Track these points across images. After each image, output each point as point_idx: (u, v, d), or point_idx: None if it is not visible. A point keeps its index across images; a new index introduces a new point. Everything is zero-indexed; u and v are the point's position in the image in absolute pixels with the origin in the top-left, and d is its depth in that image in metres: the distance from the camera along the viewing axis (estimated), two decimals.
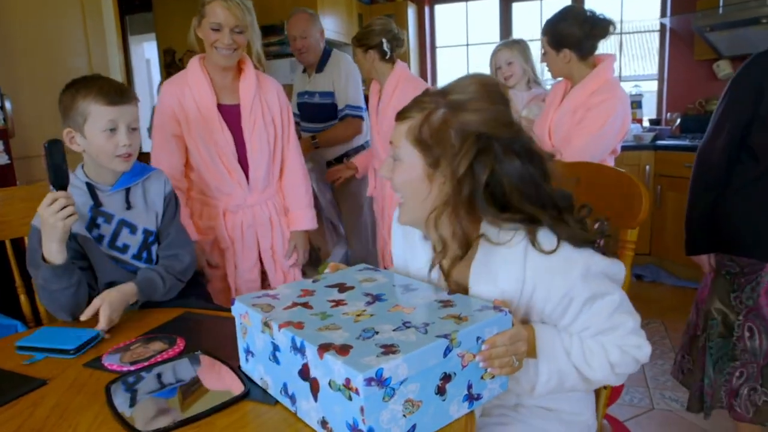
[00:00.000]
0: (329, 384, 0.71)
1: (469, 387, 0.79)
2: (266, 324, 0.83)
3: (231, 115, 1.79)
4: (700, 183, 1.61)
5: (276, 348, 0.82)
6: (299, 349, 0.76)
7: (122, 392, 0.92)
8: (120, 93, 1.31)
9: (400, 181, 0.94)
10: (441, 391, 0.75)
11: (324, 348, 0.71)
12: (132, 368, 1.00)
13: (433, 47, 5.18)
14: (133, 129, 1.34)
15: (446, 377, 0.75)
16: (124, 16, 4.94)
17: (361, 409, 0.66)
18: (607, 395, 1.26)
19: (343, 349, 0.71)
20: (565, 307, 0.90)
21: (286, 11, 3.97)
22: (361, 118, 2.84)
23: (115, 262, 1.36)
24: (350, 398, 0.67)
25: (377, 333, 0.76)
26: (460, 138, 0.87)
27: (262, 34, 1.85)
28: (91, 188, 1.34)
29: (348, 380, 0.67)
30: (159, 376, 0.98)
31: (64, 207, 1.15)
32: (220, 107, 1.77)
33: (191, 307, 1.37)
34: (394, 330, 0.76)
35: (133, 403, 0.90)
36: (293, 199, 1.96)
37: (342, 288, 0.96)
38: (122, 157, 1.32)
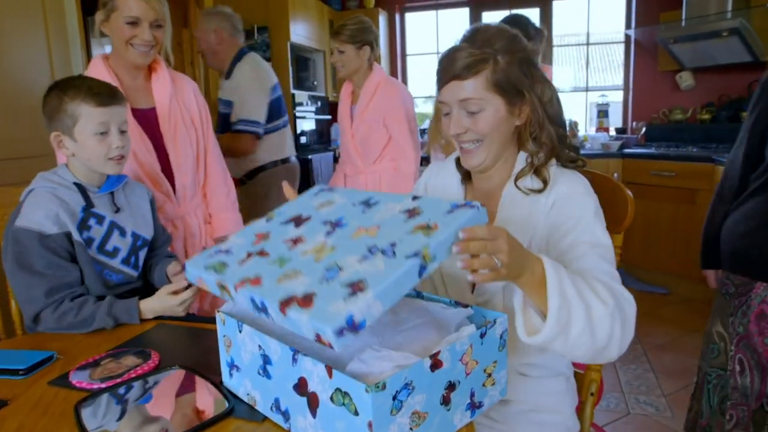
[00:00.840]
0: (331, 398, 0.66)
1: (472, 395, 0.76)
2: (222, 287, 0.77)
3: (147, 120, 1.63)
4: (716, 194, 1.53)
5: (267, 361, 0.77)
6: (261, 309, 0.70)
7: (92, 412, 0.85)
8: (110, 94, 1.27)
9: (486, 126, 1.05)
10: (446, 401, 0.71)
11: (286, 303, 0.65)
12: (103, 385, 0.93)
13: (404, 55, 5.19)
14: (122, 131, 1.29)
15: (451, 386, 0.72)
16: (87, 17, 4.76)
17: (369, 425, 0.62)
18: (593, 402, 1.25)
19: (306, 300, 0.64)
20: (573, 226, 1.00)
21: (257, 15, 3.94)
22: (256, 135, 2.55)
23: (100, 268, 1.29)
24: (356, 413, 0.63)
25: (341, 269, 0.68)
26: (524, 73, 1.05)
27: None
28: (82, 188, 1.28)
29: (318, 336, 0.61)
30: (133, 393, 0.92)
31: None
32: (134, 112, 1.60)
33: (165, 317, 1.30)
34: (359, 261, 0.69)
35: (105, 423, 0.83)
36: (216, 203, 1.83)
37: (298, 221, 0.88)
38: (115, 160, 1.28)
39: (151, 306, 1.24)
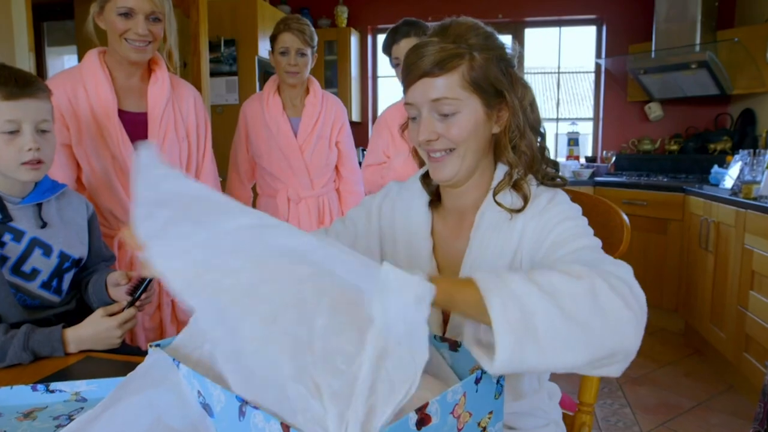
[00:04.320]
0: None
1: None
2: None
3: (135, 125, 1.48)
4: None
5: (209, 411, 0.61)
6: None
7: None
8: (22, 83, 1.06)
9: (462, 132, 0.91)
10: None
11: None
12: None
13: (375, 76, 5.12)
14: (42, 130, 1.09)
15: None
16: (41, 22, 4.50)
17: None
18: None
19: None
20: (553, 227, 0.88)
21: (225, 27, 3.79)
22: None
23: (14, 291, 1.08)
24: None
25: None
26: (502, 72, 0.92)
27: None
28: None
29: None
30: None
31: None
32: (122, 114, 1.46)
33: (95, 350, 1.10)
34: None
35: None
36: None
37: None
38: (29, 165, 1.07)
39: (79, 334, 1.04)
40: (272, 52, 2.12)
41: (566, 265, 0.69)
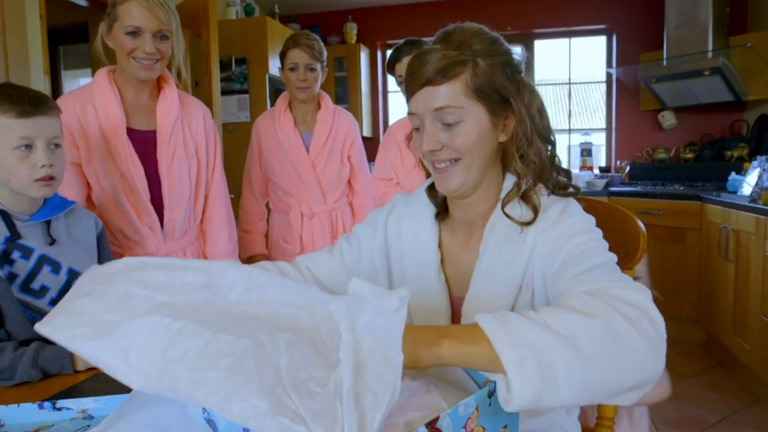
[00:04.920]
0: None
1: None
2: None
3: (144, 143, 1.49)
4: None
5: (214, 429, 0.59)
6: None
7: None
8: (35, 102, 1.08)
9: (466, 141, 0.88)
10: None
11: None
12: None
13: (385, 92, 5.14)
14: (55, 145, 1.11)
15: None
16: (57, 45, 4.60)
17: None
18: None
19: None
20: (566, 241, 0.84)
21: (235, 46, 3.84)
22: None
23: (23, 308, 1.08)
24: None
25: None
26: (508, 79, 0.90)
27: None
28: (6, 216, 1.09)
29: None
30: None
31: None
32: (131, 132, 1.47)
33: None
34: None
35: None
36: (214, 245, 1.67)
37: None
38: (42, 181, 1.08)
39: None
40: (282, 68, 2.13)
41: (579, 299, 0.65)
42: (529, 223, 0.88)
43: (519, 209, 0.90)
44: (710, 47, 3.51)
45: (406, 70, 0.93)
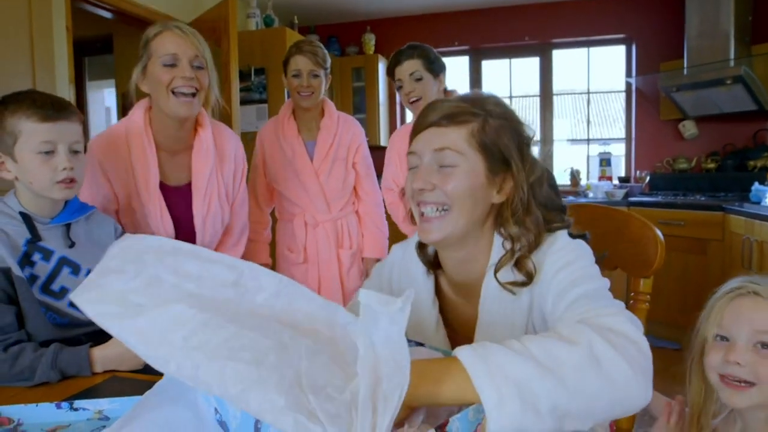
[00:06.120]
0: None
1: None
2: None
3: (176, 196, 1.49)
4: None
5: (225, 429, 0.60)
6: None
7: None
8: (58, 107, 1.11)
9: (458, 187, 0.87)
10: None
11: None
12: None
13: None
14: (75, 151, 1.14)
15: None
16: (83, 56, 4.71)
17: None
18: None
19: None
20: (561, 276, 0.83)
21: (255, 57, 3.90)
22: None
23: (44, 310, 1.10)
24: None
25: None
26: (515, 143, 0.90)
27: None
28: (27, 218, 1.12)
29: None
30: None
31: None
32: (164, 188, 1.46)
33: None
34: None
35: None
36: (220, 246, 1.70)
37: None
38: (63, 184, 1.11)
39: (105, 354, 1.05)
40: (285, 75, 2.11)
41: (566, 326, 0.65)
42: (523, 284, 0.87)
43: (513, 275, 0.88)
44: (732, 56, 3.47)
45: (418, 114, 0.93)
